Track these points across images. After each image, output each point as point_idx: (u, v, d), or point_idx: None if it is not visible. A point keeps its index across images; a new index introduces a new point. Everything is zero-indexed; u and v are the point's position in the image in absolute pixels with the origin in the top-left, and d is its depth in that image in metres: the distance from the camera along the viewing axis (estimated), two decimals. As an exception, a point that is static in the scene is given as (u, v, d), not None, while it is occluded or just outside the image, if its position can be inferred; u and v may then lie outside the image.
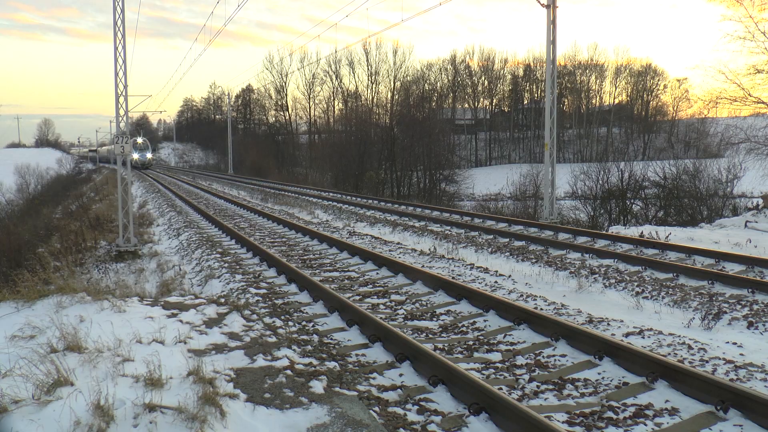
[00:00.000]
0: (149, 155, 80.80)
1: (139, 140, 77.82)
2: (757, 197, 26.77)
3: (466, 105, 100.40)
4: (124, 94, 17.18)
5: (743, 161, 27.78)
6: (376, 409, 5.25)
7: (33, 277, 8.86)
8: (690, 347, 6.90)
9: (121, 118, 17.25)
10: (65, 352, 5.57)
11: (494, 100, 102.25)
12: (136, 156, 73.85)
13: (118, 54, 17.05)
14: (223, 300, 8.61)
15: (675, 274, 10.95)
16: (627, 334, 7.44)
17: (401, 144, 56.20)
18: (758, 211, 21.11)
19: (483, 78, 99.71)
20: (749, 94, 23.44)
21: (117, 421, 4.35)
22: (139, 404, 4.53)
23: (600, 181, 33.10)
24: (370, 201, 29.05)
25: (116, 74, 17.05)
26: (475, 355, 6.87)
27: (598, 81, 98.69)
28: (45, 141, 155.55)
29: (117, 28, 16.97)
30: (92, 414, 4.34)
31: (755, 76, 23.24)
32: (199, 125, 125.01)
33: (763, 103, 23.50)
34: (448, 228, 18.11)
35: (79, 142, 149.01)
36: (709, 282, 10.32)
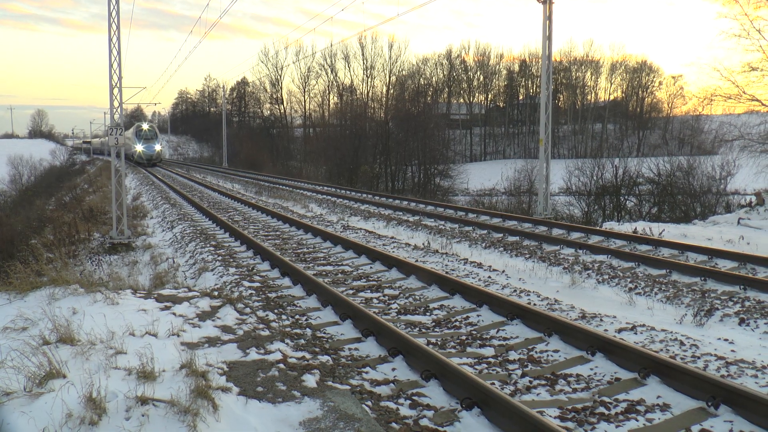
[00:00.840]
0: (158, 147, 61.74)
1: (144, 126, 61.44)
2: (750, 194, 26.88)
3: (462, 100, 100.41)
4: (118, 85, 17.09)
5: (737, 158, 27.86)
6: (369, 403, 5.26)
7: (25, 268, 8.82)
8: (682, 343, 6.93)
9: (115, 110, 17.17)
10: (58, 344, 5.56)
11: (489, 96, 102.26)
12: (140, 148, 59.18)
13: (112, 45, 16.97)
14: (216, 293, 8.60)
15: (668, 271, 10.98)
16: (620, 330, 7.46)
17: (396, 138, 56.18)
18: (751, 208, 21.19)
19: (478, 73, 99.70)
20: (744, 92, 23.51)
21: (109, 414, 4.34)
22: (131, 397, 4.52)
23: (594, 177, 33.16)
24: (365, 195, 29.03)
25: (110, 65, 16.97)
26: (468, 350, 6.88)
27: (593, 77, 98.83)
28: (38, 132, 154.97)
29: (111, 19, 16.88)
30: (84, 406, 4.33)
31: (750, 74, 23.31)
32: (193, 118, 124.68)
33: (757, 100, 23.56)
34: (442, 223, 18.12)
35: (72, 133, 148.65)
36: (702, 278, 10.36)
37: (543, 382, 5.92)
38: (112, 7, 16.79)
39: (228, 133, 73.95)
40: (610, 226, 18.79)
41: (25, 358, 4.99)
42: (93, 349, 5.51)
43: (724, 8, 23.97)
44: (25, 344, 5.45)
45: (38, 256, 10.52)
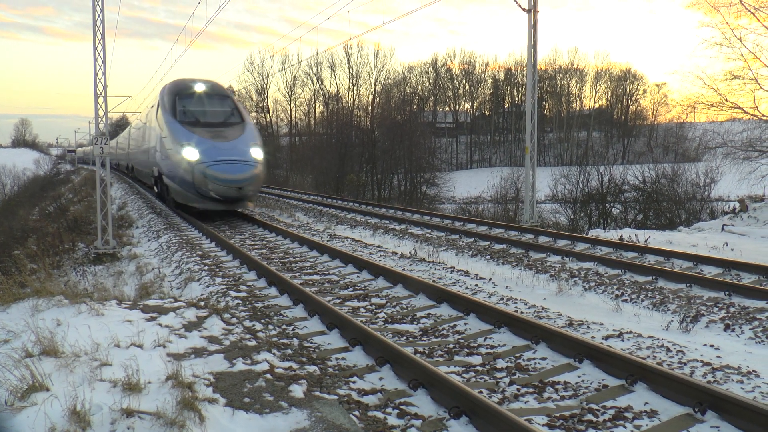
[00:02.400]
0: (258, 152, 18.84)
1: (199, 88, 20.33)
2: (734, 201, 27.16)
3: (447, 108, 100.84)
4: (103, 94, 17.00)
5: (720, 165, 28.22)
6: (356, 413, 5.23)
7: (8, 279, 8.73)
8: (669, 350, 6.96)
9: (100, 119, 17.07)
10: (41, 356, 5.49)
11: (475, 104, 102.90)
12: (192, 155, 18.04)
13: (97, 54, 16.88)
14: (202, 303, 8.54)
15: (654, 277, 11.04)
16: (607, 337, 7.48)
17: (382, 147, 56.38)
18: (735, 214, 21.40)
19: (464, 81, 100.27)
20: (726, 100, 23.81)
21: (94, 427, 4.29)
22: (116, 409, 4.47)
23: (580, 185, 33.46)
24: (351, 204, 29.00)
25: (95, 74, 16.88)
26: (456, 358, 6.87)
27: (578, 85, 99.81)
28: (22, 141, 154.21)
29: (96, 28, 16.80)
30: (68, 420, 4.28)
31: (732, 82, 23.63)
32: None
33: (739, 108, 23.85)
34: (429, 231, 18.13)
35: (57, 142, 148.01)
36: (688, 285, 10.43)
37: (531, 389, 5.92)
38: (96, 16, 16.72)
39: (214, 142, 73.11)
40: (596, 233, 18.91)
41: (7, 372, 4.92)
42: (77, 361, 5.45)
43: (705, 17, 24.40)
44: (7, 357, 5.38)
45: (21, 267, 10.40)
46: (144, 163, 26.72)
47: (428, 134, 69.60)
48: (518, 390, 5.90)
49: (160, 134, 20.18)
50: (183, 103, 19.84)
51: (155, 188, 24.51)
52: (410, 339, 7.63)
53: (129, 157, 36.00)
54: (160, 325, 7.13)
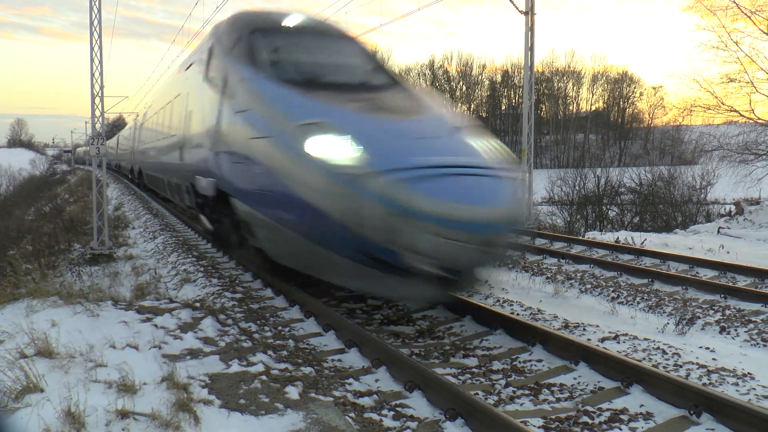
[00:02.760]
0: (493, 147, 7.85)
1: (292, 21, 9.80)
2: (730, 204, 27.24)
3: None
4: (100, 94, 16.94)
5: (716, 168, 28.28)
6: (352, 414, 5.22)
7: (3, 280, 8.71)
8: (664, 352, 6.96)
9: (97, 119, 17.02)
10: (35, 357, 5.47)
11: (472, 106, 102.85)
12: (334, 151, 6.81)
13: (94, 54, 16.84)
14: (198, 304, 8.53)
15: (650, 280, 11.05)
16: (603, 339, 7.48)
17: (380, 148, 56.28)
18: (731, 217, 21.46)
19: (461, 83, 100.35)
20: (722, 103, 23.92)
21: (88, 428, 4.28)
22: (111, 411, 4.46)
23: (576, 187, 33.46)
24: (348, 205, 28.89)
25: (92, 74, 16.83)
26: (452, 360, 6.86)
27: (575, 88, 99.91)
28: (18, 141, 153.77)
29: (93, 28, 16.77)
30: (62, 421, 4.26)
31: (728, 85, 23.75)
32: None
33: (735, 111, 23.96)
34: (426, 232, 18.06)
35: (53, 142, 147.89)
36: (683, 287, 10.44)
37: (527, 392, 5.91)
38: (93, 16, 16.69)
39: (211, 142, 72.37)
40: (593, 235, 18.90)
41: (1, 373, 4.90)
42: (72, 362, 5.43)
43: (702, 20, 24.44)
44: (0, 358, 5.36)
45: (16, 268, 10.37)
46: (169, 169, 15.71)
47: (425, 136, 69.40)
48: (514, 392, 5.90)
49: (222, 108, 9.63)
50: (274, 45, 9.40)
51: (201, 216, 13.06)
52: (406, 341, 7.63)
53: (134, 158, 27.06)
54: (155, 326, 7.11)
